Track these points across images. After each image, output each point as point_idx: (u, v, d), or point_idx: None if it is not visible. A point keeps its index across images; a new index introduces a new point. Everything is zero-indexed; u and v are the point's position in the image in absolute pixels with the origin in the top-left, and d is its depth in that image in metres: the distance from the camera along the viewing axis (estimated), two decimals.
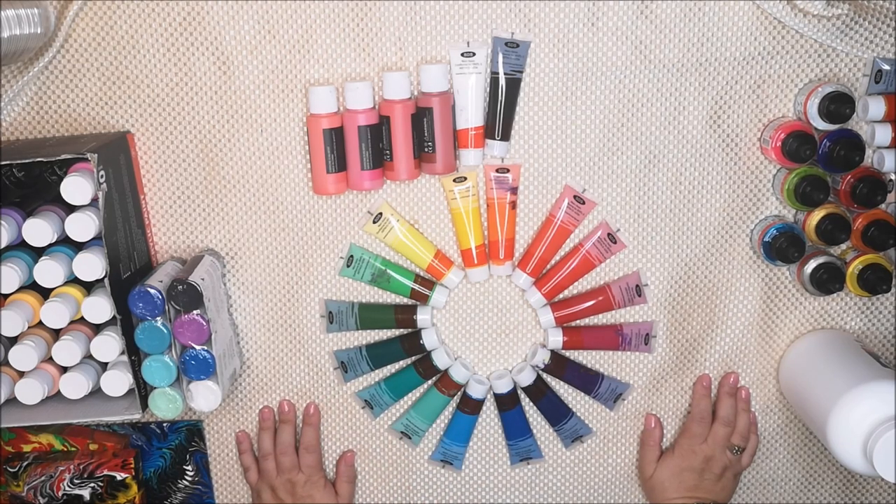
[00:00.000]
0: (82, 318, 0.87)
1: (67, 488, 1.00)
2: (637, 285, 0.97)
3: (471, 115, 0.90)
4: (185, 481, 1.05)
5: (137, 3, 0.88)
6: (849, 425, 0.84)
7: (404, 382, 0.99)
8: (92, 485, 1.00)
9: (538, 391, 0.99)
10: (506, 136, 0.92)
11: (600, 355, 1.00)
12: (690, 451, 0.99)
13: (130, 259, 0.89)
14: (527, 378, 0.98)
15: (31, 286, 0.86)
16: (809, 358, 0.96)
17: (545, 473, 1.04)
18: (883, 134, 0.90)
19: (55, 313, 0.86)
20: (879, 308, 0.99)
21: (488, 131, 0.92)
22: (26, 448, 1.01)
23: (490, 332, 0.99)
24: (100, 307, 0.86)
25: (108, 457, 1.01)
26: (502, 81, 0.90)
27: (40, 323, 0.87)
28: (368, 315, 0.97)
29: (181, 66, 0.91)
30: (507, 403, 1.00)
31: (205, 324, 0.88)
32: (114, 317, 0.86)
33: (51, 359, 0.88)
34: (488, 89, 0.91)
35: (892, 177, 0.92)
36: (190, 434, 1.02)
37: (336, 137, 0.89)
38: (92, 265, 0.84)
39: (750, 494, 1.05)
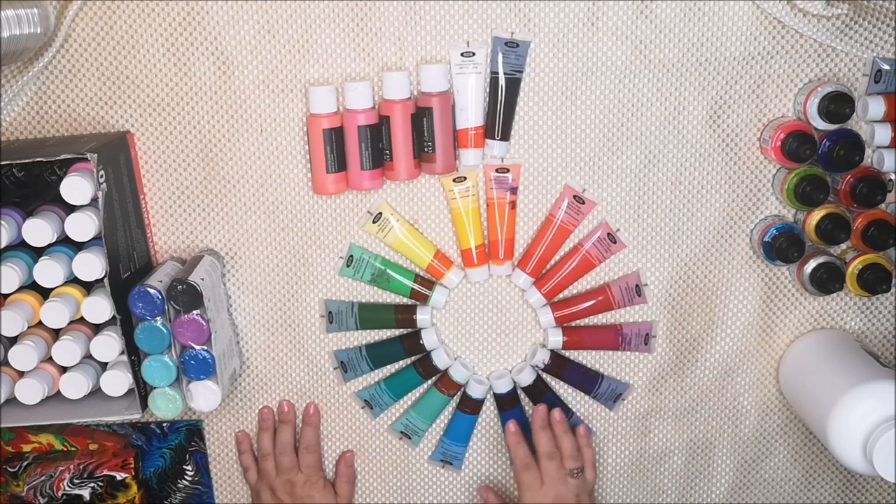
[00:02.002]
0: (82, 318, 0.87)
1: (67, 488, 1.00)
2: (637, 285, 0.97)
3: (471, 114, 0.90)
4: (184, 481, 1.05)
5: (137, 3, 0.88)
6: (849, 425, 0.84)
7: (404, 382, 0.99)
8: (92, 485, 1.00)
9: (538, 391, 0.99)
10: (506, 136, 0.92)
11: (600, 355, 1.00)
12: (537, 501, 0.95)
13: (130, 259, 0.89)
14: (527, 378, 0.98)
15: (31, 286, 0.86)
16: (809, 358, 0.96)
17: None
18: (883, 134, 0.90)
19: (55, 313, 0.86)
20: (879, 308, 0.99)
21: (488, 131, 0.92)
22: (26, 448, 1.01)
23: (490, 332, 0.99)
24: (100, 307, 0.86)
25: (107, 457, 1.01)
26: (502, 81, 0.90)
27: (40, 323, 0.87)
28: (368, 315, 0.97)
29: (181, 66, 0.91)
30: (507, 403, 1.00)
31: (205, 324, 0.88)
32: (114, 317, 0.86)
33: (51, 359, 0.88)
34: (488, 89, 0.91)
35: (892, 177, 0.92)
36: (190, 434, 1.02)
37: (336, 137, 0.89)
38: (92, 265, 0.84)
39: (750, 494, 1.06)
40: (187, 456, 1.03)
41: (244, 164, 0.94)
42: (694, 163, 0.94)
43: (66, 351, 0.87)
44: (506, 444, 0.99)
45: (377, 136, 0.90)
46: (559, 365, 0.98)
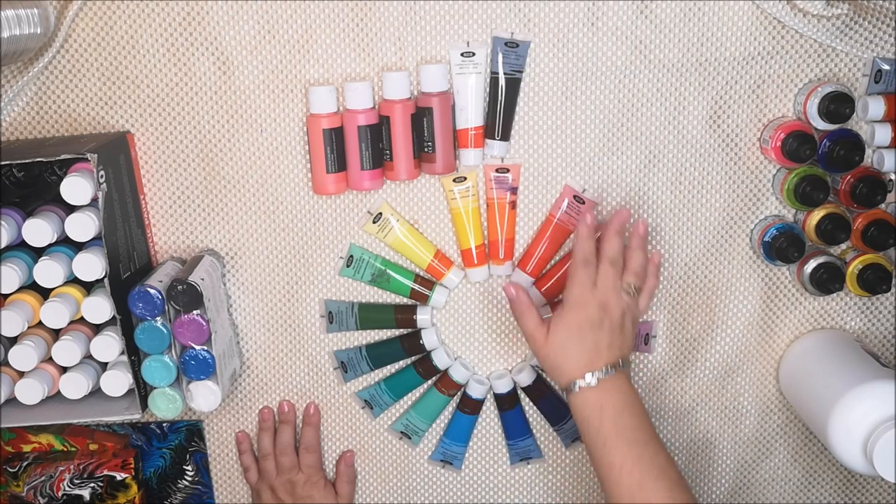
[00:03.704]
0: (82, 318, 0.87)
1: (67, 488, 1.00)
2: None
3: (470, 114, 0.90)
4: (184, 481, 1.05)
5: (137, 3, 0.88)
6: (849, 425, 0.84)
7: (404, 382, 0.99)
8: (92, 485, 1.00)
9: (538, 391, 0.99)
10: (506, 136, 0.92)
11: None
12: (582, 301, 0.85)
13: (130, 259, 0.89)
14: (527, 378, 0.98)
15: (31, 286, 0.86)
16: (809, 358, 0.96)
17: (545, 473, 1.04)
18: (883, 134, 0.90)
19: (55, 313, 0.86)
20: (879, 308, 0.99)
21: (488, 131, 0.92)
22: (26, 448, 1.01)
23: (490, 332, 0.99)
24: (100, 307, 0.86)
25: (108, 457, 1.01)
26: (502, 81, 0.90)
27: (40, 323, 0.87)
28: (368, 315, 0.97)
29: (181, 66, 0.91)
30: (507, 403, 1.00)
31: (205, 324, 0.88)
32: (114, 317, 0.86)
33: (51, 359, 0.88)
34: (488, 89, 0.91)
35: (892, 177, 0.92)
36: (190, 434, 1.02)
37: (336, 137, 0.89)
38: (92, 265, 0.84)
39: (750, 494, 1.06)
40: (187, 456, 1.03)
41: (244, 164, 0.94)
42: (694, 163, 0.94)
43: (66, 351, 0.87)
44: (576, 237, 0.87)
45: (377, 136, 0.90)
46: None
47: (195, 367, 0.89)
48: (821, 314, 0.99)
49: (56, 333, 0.90)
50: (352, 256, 0.96)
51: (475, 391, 0.99)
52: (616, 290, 0.85)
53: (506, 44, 0.89)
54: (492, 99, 0.91)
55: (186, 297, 0.86)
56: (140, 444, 1.03)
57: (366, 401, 1.01)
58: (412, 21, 0.89)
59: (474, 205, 0.94)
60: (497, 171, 0.93)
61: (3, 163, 0.81)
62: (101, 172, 0.83)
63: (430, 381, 1.00)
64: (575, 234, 0.89)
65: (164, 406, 0.90)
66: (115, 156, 0.87)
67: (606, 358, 0.83)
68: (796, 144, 0.88)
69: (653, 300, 0.92)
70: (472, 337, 1.00)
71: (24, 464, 1.00)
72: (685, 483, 0.81)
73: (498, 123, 0.91)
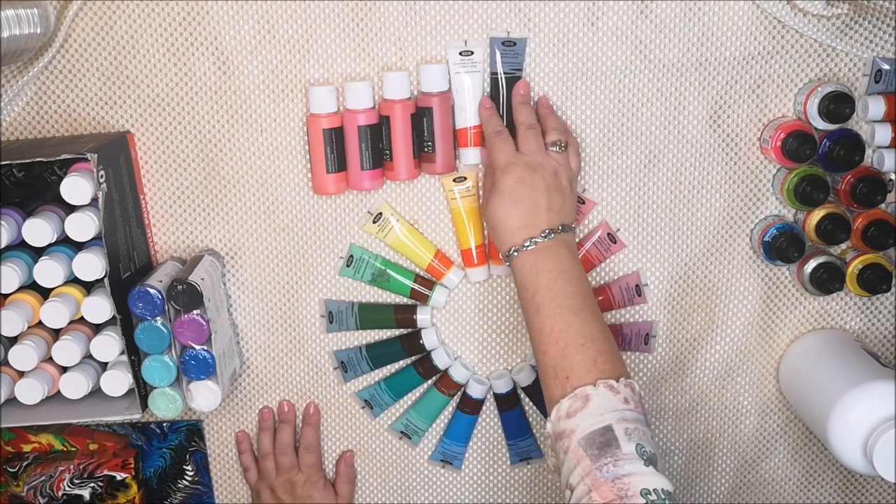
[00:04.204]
0: (82, 318, 0.87)
1: (67, 488, 1.00)
2: (637, 285, 0.97)
3: (470, 114, 0.90)
4: (184, 481, 1.05)
5: (137, 3, 0.88)
6: (849, 425, 0.84)
7: (404, 382, 0.99)
8: (92, 485, 1.00)
9: (538, 391, 0.99)
10: None
11: None
12: (509, 164, 0.83)
13: (130, 259, 0.89)
14: (527, 378, 0.98)
15: (31, 286, 0.86)
16: (809, 358, 0.96)
17: (545, 473, 1.04)
18: (883, 134, 0.90)
19: (55, 313, 0.86)
20: (879, 308, 0.99)
21: None
22: (26, 448, 1.01)
23: (490, 332, 0.99)
24: (100, 307, 0.86)
25: (108, 457, 1.01)
26: (502, 81, 0.90)
27: (40, 323, 0.87)
28: (368, 315, 0.97)
29: (181, 66, 0.91)
30: (507, 403, 1.00)
31: (205, 324, 0.88)
32: (114, 317, 0.86)
33: (51, 359, 0.88)
34: (489, 90, 0.91)
35: (892, 177, 0.92)
36: (190, 434, 1.02)
37: (336, 137, 0.89)
38: (92, 265, 0.84)
39: (750, 494, 1.06)
40: (187, 456, 1.03)
41: (244, 164, 0.94)
42: (694, 163, 0.94)
43: (66, 351, 0.87)
44: (479, 118, 0.88)
45: (377, 136, 0.90)
46: None
47: (195, 367, 0.89)
48: (821, 314, 0.99)
49: (56, 333, 0.90)
50: (352, 256, 0.96)
51: (475, 391, 0.99)
52: (541, 149, 0.84)
53: (503, 43, 0.89)
54: (493, 100, 0.90)
55: (186, 296, 0.86)
56: (140, 444, 1.03)
57: (366, 401, 1.01)
58: (412, 21, 0.89)
59: (474, 205, 0.94)
60: None
61: (3, 163, 0.81)
62: (101, 172, 0.83)
63: (430, 381, 1.00)
64: (480, 116, 0.88)
65: (164, 406, 0.90)
66: (115, 156, 0.87)
67: (546, 222, 0.81)
68: (796, 144, 0.88)
69: (581, 158, 0.90)
70: (472, 337, 1.00)
71: (24, 464, 1.00)
72: (613, 353, 0.77)
73: None
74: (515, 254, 0.81)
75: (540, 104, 0.90)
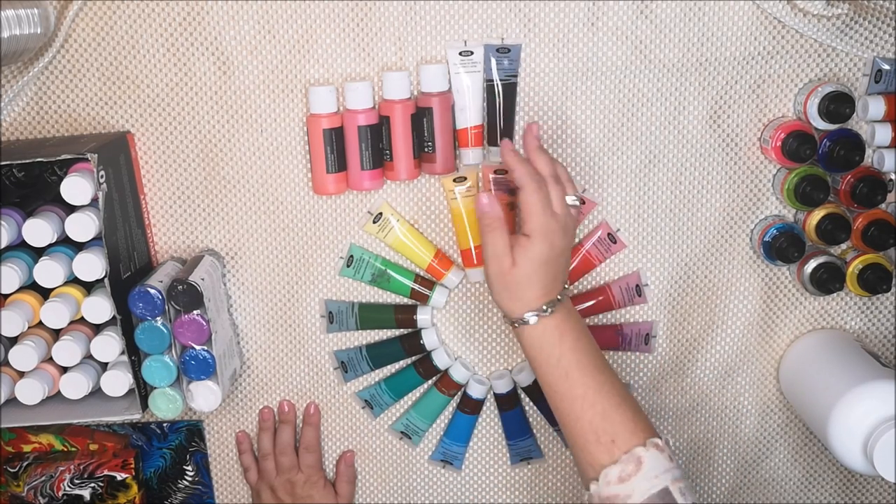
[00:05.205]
0: (82, 318, 0.87)
1: (67, 488, 1.00)
2: (637, 285, 0.97)
3: (470, 114, 0.90)
4: (185, 481, 1.05)
5: (137, 3, 0.88)
6: (849, 425, 0.84)
7: (404, 382, 0.99)
8: (92, 485, 1.00)
9: (538, 391, 0.99)
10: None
11: None
12: (549, 230, 0.78)
13: (130, 259, 0.90)
14: (527, 378, 0.98)
15: (31, 286, 0.86)
16: (809, 358, 0.96)
17: (545, 473, 1.04)
18: (883, 134, 0.90)
19: (55, 313, 0.86)
20: (879, 308, 0.99)
21: (489, 138, 0.91)
22: (26, 448, 1.01)
23: (490, 332, 0.99)
24: (100, 307, 0.86)
25: (108, 457, 1.01)
26: (498, 88, 0.90)
27: (40, 323, 0.87)
28: (368, 315, 0.97)
29: (181, 66, 0.91)
30: (507, 403, 1.00)
31: (205, 324, 0.88)
32: (114, 317, 0.86)
33: (51, 359, 0.88)
34: (486, 96, 0.91)
35: (892, 176, 0.92)
36: (190, 434, 1.02)
37: (336, 137, 0.89)
38: (92, 265, 0.84)
39: (750, 494, 1.06)
40: (187, 456, 1.03)
41: (244, 164, 0.94)
42: (694, 163, 0.94)
43: (67, 351, 0.87)
44: (503, 161, 0.82)
45: (377, 136, 0.90)
46: None
47: (195, 367, 0.89)
48: (821, 314, 0.99)
49: (56, 333, 0.90)
50: (352, 256, 0.96)
51: (475, 391, 0.99)
52: (567, 208, 0.80)
53: (497, 50, 0.89)
54: (490, 106, 0.90)
55: (186, 297, 0.86)
56: (140, 444, 1.03)
57: (366, 401, 1.01)
58: (412, 21, 0.89)
59: (474, 205, 0.94)
60: (496, 172, 0.93)
61: (3, 163, 0.81)
62: (101, 172, 0.83)
63: (430, 381, 1.00)
64: (508, 162, 0.81)
65: (165, 406, 0.90)
66: (115, 156, 0.87)
67: (561, 283, 0.79)
68: (796, 144, 0.88)
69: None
70: (472, 337, 1.00)
71: (25, 464, 1.00)
72: (640, 407, 0.78)
73: (498, 130, 0.91)
74: (535, 320, 0.77)
75: (531, 145, 0.84)
